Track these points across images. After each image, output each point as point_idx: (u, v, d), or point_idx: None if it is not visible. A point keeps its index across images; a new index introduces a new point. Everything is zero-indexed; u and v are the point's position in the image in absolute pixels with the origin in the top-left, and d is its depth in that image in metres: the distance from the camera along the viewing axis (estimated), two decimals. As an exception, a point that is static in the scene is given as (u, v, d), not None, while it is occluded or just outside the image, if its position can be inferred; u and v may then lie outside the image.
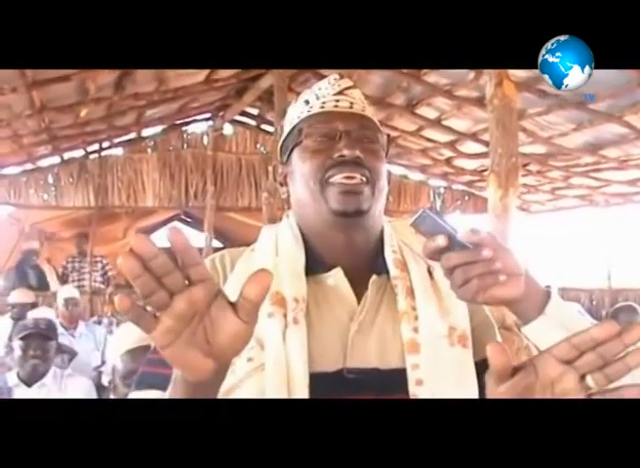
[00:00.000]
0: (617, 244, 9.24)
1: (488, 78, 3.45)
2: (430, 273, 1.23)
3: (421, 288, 1.20)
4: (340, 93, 1.25)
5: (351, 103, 1.24)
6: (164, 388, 1.11)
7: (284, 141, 1.31)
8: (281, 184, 1.32)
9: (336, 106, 1.24)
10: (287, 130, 1.30)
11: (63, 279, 9.03)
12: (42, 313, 5.33)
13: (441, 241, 0.98)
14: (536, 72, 5.09)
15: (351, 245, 1.22)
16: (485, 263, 0.98)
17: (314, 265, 1.20)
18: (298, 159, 1.23)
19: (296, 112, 1.29)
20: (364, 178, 1.17)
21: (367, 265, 1.22)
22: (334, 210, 1.17)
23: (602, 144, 6.84)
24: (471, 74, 5.87)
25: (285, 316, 1.12)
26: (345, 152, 1.16)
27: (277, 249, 1.24)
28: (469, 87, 6.21)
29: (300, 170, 1.22)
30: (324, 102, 1.25)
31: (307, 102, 1.27)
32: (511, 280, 1.00)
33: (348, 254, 1.22)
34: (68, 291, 6.48)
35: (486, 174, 3.49)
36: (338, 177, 1.17)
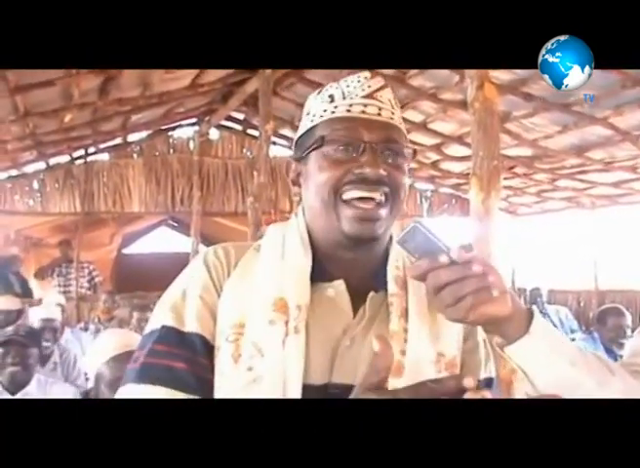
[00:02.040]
0: (603, 245, 9.28)
1: (469, 81, 3.45)
2: None
3: (416, 309, 1.16)
4: (370, 96, 1.16)
5: (380, 109, 1.16)
6: (167, 384, 1.07)
7: (301, 137, 1.22)
8: (293, 183, 1.24)
9: (363, 112, 1.15)
10: (306, 125, 1.22)
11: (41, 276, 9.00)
12: (46, 313, 5.25)
13: (443, 260, 0.96)
14: (519, 75, 5.12)
15: (357, 261, 1.19)
16: (477, 279, 0.96)
17: (317, 273, 1.16)
18: (315, 164, 1.16)
19: (318, 107, 1.20)
20: (383, 198, 1.12)
21: (369, 279, 1.19)
22: (346, 233, 1.13)
23: (587, 146, 6.88)
24: (456, 77, 5.89)
25: (287, 324, 1.09)
26: (367, 170, 1.10)
27: (283, 251, 1.20)
28: (454, 90, 6.23)
29: (317, 178, 1.15)
30: (350, 105, 1.16)
31: (332, 99, 1.18)
32: (500, 297, 0.99)
33: (353, 268, 1.18)
34: (54, 297, 6.43)
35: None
36: (354, 195, 1.11)
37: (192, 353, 1.10)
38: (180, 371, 1.08)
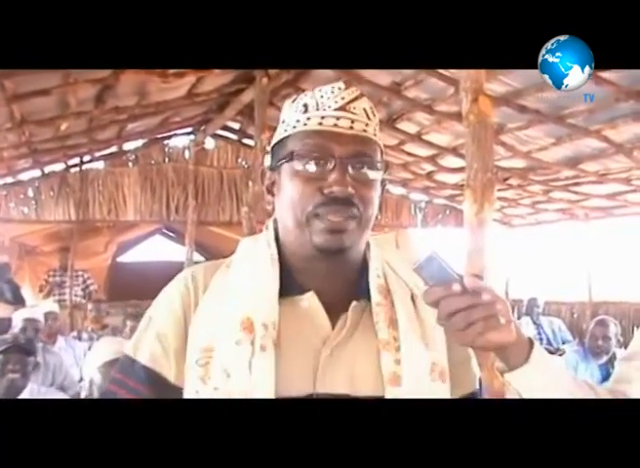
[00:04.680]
0: (597, 257, 9.29)
1: (464, 94, 3.46)
2: (414, 301, 1.22)
3: (405, 318, 1.18)
4: (342, 108, 1.16)
5: (352, 122, 1.15)
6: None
7: (275, 146, 1.23)
8: (268, 191, 1.25)
9: (335, 125, 1.14)
10: (280, 133, 1.22)
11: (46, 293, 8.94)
12: (49, 307, 5.25)
13: (456, 288, 1.00)
14: (514, 87, 5.13)
15: (331, 271, 1.20)
16: (486, 306, 1.00)
17: (289, 287, 1.17)
18: (287, 178, 1.17)
19: (292, 117, 1.20)
20: (352, 215, 1.13)
21: (346, 289, 1.20)
22: (315, 244, 1.14)
23: (581, 158, 6.89)
24: (451, 89, 5.90)
25: (252, 343, 1.10)
26: (336, 189, 1.10)
27: (253, 268, 1.20)
28: (449, 102, 6.23)
29: (289, 194, 1.16)
30: (323, 118, 1.15)
31: (306, 109, 1.18)
32: (506, 325, 1.03)
33: (327, 279, 1.19)
34: (48, 305, 6.41)
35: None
36: (324, 214, 1.12)
37: (139, 385, 1.17)
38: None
